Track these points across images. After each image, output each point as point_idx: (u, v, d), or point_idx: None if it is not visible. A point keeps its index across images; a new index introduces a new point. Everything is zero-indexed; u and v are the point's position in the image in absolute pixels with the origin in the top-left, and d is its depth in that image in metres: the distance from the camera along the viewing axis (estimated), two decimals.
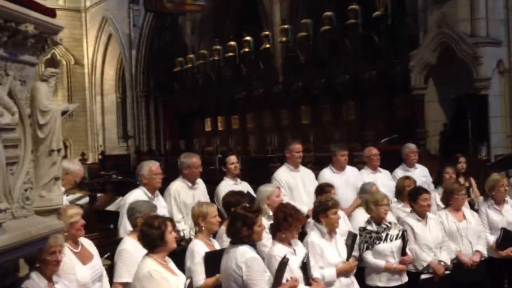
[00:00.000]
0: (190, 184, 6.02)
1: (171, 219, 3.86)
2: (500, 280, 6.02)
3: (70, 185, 5.20)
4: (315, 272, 4.41)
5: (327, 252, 4.67)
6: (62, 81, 25.43)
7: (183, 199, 5.90)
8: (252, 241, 4.03)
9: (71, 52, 25.91)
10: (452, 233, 5.54)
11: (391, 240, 5.10)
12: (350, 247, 4.89)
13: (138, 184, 5.56)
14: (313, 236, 4.73)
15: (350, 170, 6.88)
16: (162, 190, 6.12)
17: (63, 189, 4.77)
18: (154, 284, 3.51)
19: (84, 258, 4.02)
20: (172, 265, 3.81)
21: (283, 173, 6.62)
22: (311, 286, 4.26)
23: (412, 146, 7.27)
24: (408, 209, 5.76)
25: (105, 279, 4.22)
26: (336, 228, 4.81)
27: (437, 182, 6.67)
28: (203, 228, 4.49)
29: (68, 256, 3.85)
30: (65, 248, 3.86)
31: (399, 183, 6.13)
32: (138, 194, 5.35)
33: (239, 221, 4.01)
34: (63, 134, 3.62)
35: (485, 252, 5.64)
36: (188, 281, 3.72)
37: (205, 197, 6.06)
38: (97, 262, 4.13)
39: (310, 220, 5.44)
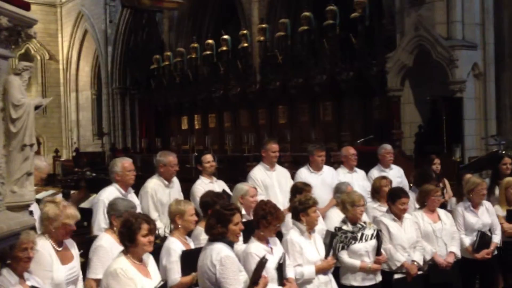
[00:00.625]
0: (166, 183, 5.98)
1: (149, 222, 3.72)
2: (472, 280, 6.09)
3: (37, 181, 5.13)
4: (289, 272, 4.42)
5: (306, 250, 4.68)
6: (36, 77, 25.03)
7: (160, 198, 5.86)
8: (229, 240, 3.99)
9: (46, 47, 25.54)
10: (428, 234, 5.58)
11: (366, 240, 5.12)
12: (328, 246, 4.91)
13: (111, 181, 5.50)
14: (293, 234, 4.74)
15: (327, 170, 6.89)
16: (137, 188, 6.08)
17: None
18: (118, 283, 3.46)
19: (64, 258, 3.92)
20: (150, 266, 3.72)
21: (258, 172, 6.61)
22: (284, 287, 4.26)
23: (388, 147, 7.33)
24: (384, 209, 5.80)
25: (80, 283, 4.14)
26: (315, 226, 4.84)
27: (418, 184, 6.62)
28: (180, 226, 4.45)
29: (48, 253, 3.78)
30: (48, 244, 3.81)
31: (376, 183, 6.17)
32: (111, 191, 5.32)
33: (214, 218, 3.98)
34: (37, 131, 3.55)
35: (458, 253, 5.70)
36: (161, 283, 3.63)
37: (180, 196, 6.03)
38: (76, 264, 4.04)
39: (287, 219, 5.44)
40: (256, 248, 4.23)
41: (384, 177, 6.23)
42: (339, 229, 5.15)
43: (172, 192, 5.99)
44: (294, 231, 4.77)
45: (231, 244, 3.98)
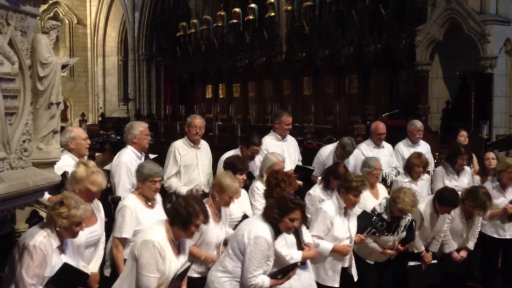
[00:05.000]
0: (191, 144, 6.10)
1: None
2: (495, 258, 6.05)
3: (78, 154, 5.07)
4: (307, 238, 4.41)
5: (337, 227, 4.66)
6: (64, 41, 25.18)
7: (184, 156, 6.01)
8: (278, 228, 3.94)
9: (74, 11, 25.59)
10: (458, 232, 5.55)
11: (398, 233, 5.05)
12: (362, 228, 4.88)
13: (127, 143, 5.61)
14: (329, 206, 4.71)
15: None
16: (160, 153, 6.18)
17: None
18: (151, 256, 3.48)
19: (87, 221, 3.86)
20: (183, 246, 3.74)
21: (269, 141, 6.63)
22: (303, 251, 4.25)
23: (418, 124, 7.12)
24: (414, 186, 5.73)
25: (101, 245, 4.21)
26: (352, 208, 4.79)
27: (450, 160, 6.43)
28: (216, 199, 4.46)
29: None
30: None
31: (411, 160, 6.01)
32: (129, 153, 5.46)
33: (276, 202, 3.99)
34: (64, 94, 3.58)
35: (472, 247, 5.66)
36: (186, 266, 3.65)
37: (208, 159, 6.20)
38: (98, 228, 4.09)
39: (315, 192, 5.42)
40: None
41: (420, 155, 6.06)
42: (378, 214, 5.02)
43: (199, 153, 6.11)
44: (330, 204, 4.74)
45: (277, 231, 3.93)
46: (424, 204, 5.34)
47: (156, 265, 3.46)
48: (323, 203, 4.84)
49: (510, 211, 5.84)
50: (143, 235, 3.62)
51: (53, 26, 3.61)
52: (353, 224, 4.83)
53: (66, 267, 3.30)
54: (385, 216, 5.01)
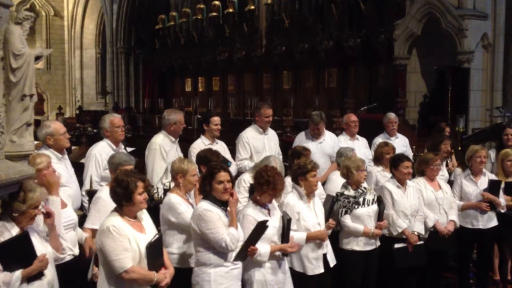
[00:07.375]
0: (173, 139, 6.06)
1: (144, 179, 3.68)
2: (470, 249, 6.12)
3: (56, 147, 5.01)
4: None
5: (304, 214, 4.67)
6: (40, 33, 24.82)
7: (168, 153, 5.93)
8: (214, 197, 3.98)
9: (51, 3, 25.20)
10: (431, 202, 5.59)
11: (368, 205, 5.14)
12: (328, 210, 4.92)
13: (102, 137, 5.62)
14: (290, 197, 4.73)
15: (328, 137, 6.87)
16: (139, 146, 6.11)
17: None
18: (111, 240, 3.42)
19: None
20: (145, 221, 3.70)
21: (250, 134, 6.62)
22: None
23: (391, 116, 7.30)
24: (387, 174, 5.80)
25: (79, 229, 4.22)
26: (314, 190, 4.81)
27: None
28: (181, 185, 4.45)
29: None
30: None
31: (378, 150, 6.20)
32: (102, 146, 5.46)
33: (205, 174, 4.10)
34: (41, 87, 3.52)
35: (458, 222, 5.71)
36: (156, 237, 3.61)
37: (180, 151, 6.15)
38: (70, 212, 4.11)
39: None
40: (253, 211, 4.24)
41: (386, 144, 6.24)
42: (341, 194, 5.17)
43: (177, 148, 6.11)
44: (292, 195, 4.77)
45: (217, 202, 3.97)
46: (388, 182, 5.51)
47: (121, 245, 3.42)
48: (285, 196, 4.84)
49: (484, 208, 5.87)
50: (100, 228, 3.59)
51: (26, 17, 3.56)
52: (319, 208, 4.85)
53: None
54: (348, 192, 5.15)
